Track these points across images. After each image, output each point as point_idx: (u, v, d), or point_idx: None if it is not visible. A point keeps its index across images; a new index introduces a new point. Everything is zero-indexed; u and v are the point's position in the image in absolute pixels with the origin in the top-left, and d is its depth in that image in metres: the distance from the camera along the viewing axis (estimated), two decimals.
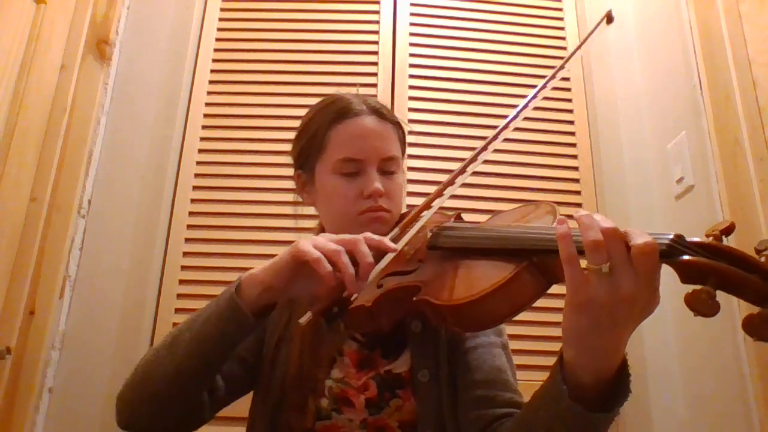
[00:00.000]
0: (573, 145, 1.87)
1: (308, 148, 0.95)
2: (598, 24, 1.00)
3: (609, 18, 0.94)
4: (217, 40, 1.94)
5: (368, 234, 0.73)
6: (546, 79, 0.92)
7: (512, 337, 0.96)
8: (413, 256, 0.80)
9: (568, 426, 0.60)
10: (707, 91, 1.50)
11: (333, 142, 0.91)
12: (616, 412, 0.61)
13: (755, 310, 0.50)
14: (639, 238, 0.53)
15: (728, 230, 0.55)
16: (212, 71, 1.90)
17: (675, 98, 1.68)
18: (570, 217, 0.59)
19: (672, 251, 0.53)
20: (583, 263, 0.56)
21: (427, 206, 0.83)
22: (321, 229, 1.02)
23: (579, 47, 0.98)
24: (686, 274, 0.52)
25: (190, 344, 0.75)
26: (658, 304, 0.56)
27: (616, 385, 0.60)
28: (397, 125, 0.97)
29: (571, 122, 1.89)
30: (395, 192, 0.92)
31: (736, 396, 1.34)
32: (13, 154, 1.47)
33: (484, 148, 0.87)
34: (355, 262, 0.70)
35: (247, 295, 0.74)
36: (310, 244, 0.70)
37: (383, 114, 0.94)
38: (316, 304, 0.71)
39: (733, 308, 1.34)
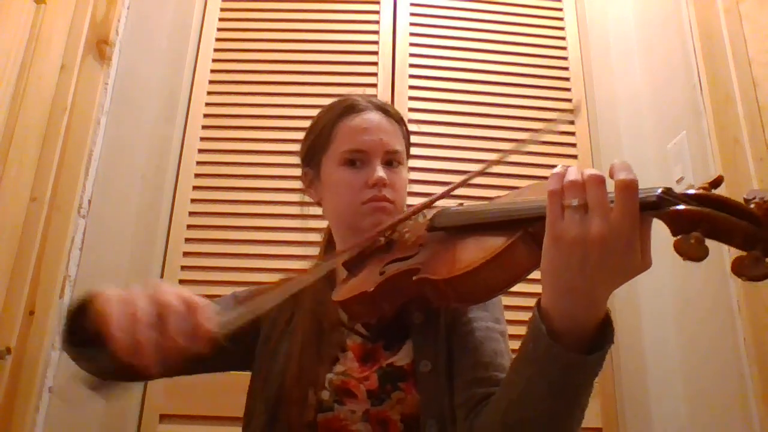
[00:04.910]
0: (573, 145, 1.87)
1: (315, 145, 0.98)
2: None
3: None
4: (217, 40, 1.94)
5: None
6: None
7: (511, 322, 0.95)
8: (414, 241, 0.81)
9: (548, 371, 0.59)
10: (707, 91, 1.50)
11: (339, 136, 0.94)
12: (598, 359, 0.59)
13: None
14: (622, 173, 0.53)
15: (716, 183, 0.56)
16: (212, 71, 1.90)
17: (675, 98, 1.68)
18: None
19: (662, 203, 0.53)
20: None
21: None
22: (328, 233, 1.03)
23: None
24: (677, 223, 0.51)
25: None
26: (646, 266, 0.56)
27: (596, 337, 0.59)
28: (402, 123, 1.00)
29: (572, 122, 1.90)
30: (399, 184, 0.94)
31: (736, 396, 1.34)
32: (13, 154, 1.47)
33: (465, 181, 0.88)
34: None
35: None
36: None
37: (388, 111, 0.98)
38: None
39: (733, 308, 1.34)
